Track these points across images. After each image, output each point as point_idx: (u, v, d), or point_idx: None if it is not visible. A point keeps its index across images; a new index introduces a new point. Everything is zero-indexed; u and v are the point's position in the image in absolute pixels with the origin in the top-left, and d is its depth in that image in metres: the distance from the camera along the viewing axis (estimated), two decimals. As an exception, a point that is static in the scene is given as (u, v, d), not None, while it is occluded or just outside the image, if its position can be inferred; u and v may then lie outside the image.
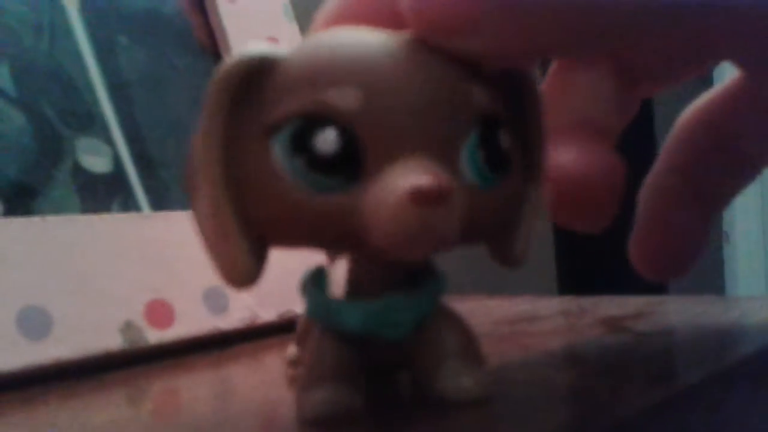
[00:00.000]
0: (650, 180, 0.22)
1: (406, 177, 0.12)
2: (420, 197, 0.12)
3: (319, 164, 0.13)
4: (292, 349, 0.20)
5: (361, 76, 0.13)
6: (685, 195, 0.21)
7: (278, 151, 0.13)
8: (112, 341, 0.24)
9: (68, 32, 0.29)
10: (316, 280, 0.15)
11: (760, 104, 0.20)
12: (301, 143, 0.13)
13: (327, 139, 0.12)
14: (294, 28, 0.38)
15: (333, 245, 0.14)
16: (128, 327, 0.25)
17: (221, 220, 0.13)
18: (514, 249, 0.16)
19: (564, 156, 0.19)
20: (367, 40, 0.13)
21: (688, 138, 0.22)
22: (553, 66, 0.21)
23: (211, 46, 0.35)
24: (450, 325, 0.15)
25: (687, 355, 0.20)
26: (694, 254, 0.22)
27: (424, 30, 0.14)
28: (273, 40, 0.36)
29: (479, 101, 0.14)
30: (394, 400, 0.16)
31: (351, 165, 0.13)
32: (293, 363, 0.19)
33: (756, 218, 1.59)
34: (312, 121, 0.13)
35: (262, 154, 0.13)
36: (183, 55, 0.33)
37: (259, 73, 0.13)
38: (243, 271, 0.14)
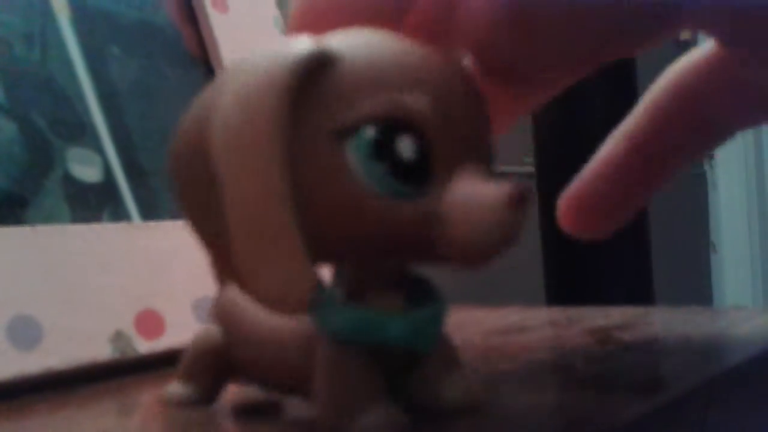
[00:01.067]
0: (602, 146, 0.22)
1: (489, 184, 0.12)
2: (518, 201, 0.12)
3: (400, 170, 0.12)
4: (175, 387, 0.18)
5: (429, 84, 0.13)
6: (628, 158, 0.22)
7: (354, 156, 0.12)
8: (102, 351, 0.24)
9: (60, 42, 0.29)
10: (329, 297, 0.14)
11: (736, 78, 0.20)
12: (385, 149, 0.12)
13: (407, 145, 0.12)
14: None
15: (401, 254, 0.13)
16: (118, 337, 0.25)
17: (280, 229, 0.12)
18: None
19: None
20: (422, 50, 0.13)
21: (648, 108, 0.22)
22: None
23: (202, 56, 0.35)
24: (444, 339, 0.15)
25: (674, 366, 0.20)
26: (622, 217, 0.22)
27: None
28: (264, 50, 0.37)
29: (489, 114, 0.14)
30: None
31: (424, 171, 0.13)
32: (180, 404, 0.18)
33: (743, 229, 1.60)
34: (392, 126, 0.12)
35: (332, 158, 0.12)
36: (174, 65, 0.33)
37: (319, 69, 0.13)
38: (301, 289, 0.12)
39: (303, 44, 0.12)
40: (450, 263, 0.13)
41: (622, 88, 0.75)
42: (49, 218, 0.26)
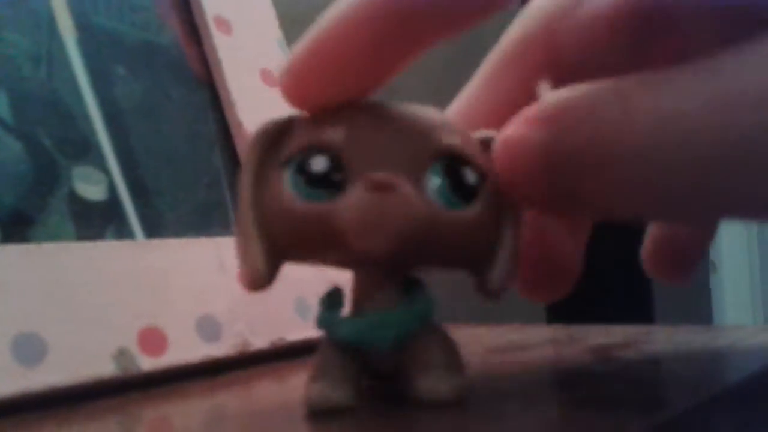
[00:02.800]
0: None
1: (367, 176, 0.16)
2: (372, 184, 0.16)
3: (313, 180, 0.17)
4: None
5: (346, 118, 0.17)
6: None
7: (287, 176, 0.17)
8: (105, 368, 0.25)
9: (66, 62, 0.29)
10: (331, 298, 0.19)
11: None
12: (303, 167, 0.17)
13: (318, 162, 0.17)
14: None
15: (321, 247, 0.17)
16: (121, 354, 0.25)
17: (246, 229, 0.18)
18: (490, 282, 0.18)
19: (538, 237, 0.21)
20: (353, 100, 0.18)
21: None
22: None
23: (206, 77, 0.35)
24: (435, 340, 0.18)
25: (675, 384, 0.20)
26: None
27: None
28: (267, 71, 0.37)
29: (442, 140, 0.17)
30: (382, 402, 0.18)
31: (337, 181, 0.16)
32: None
33: (743, 247, 1.60)
34: (310, 151, 0.17)
35: (276, 180, 0.17)
36: (178, 85, 0.34)
37: (281, 130, 0.18)
38: (257, 272, 0.17)
39: (276, 117, 0.18)
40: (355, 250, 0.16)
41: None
42: (54, 236, 0.26)
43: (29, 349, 0.23)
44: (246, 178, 0.18)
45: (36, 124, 0.28)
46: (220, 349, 0.28)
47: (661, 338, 0.26)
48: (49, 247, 0.25)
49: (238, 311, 0.29)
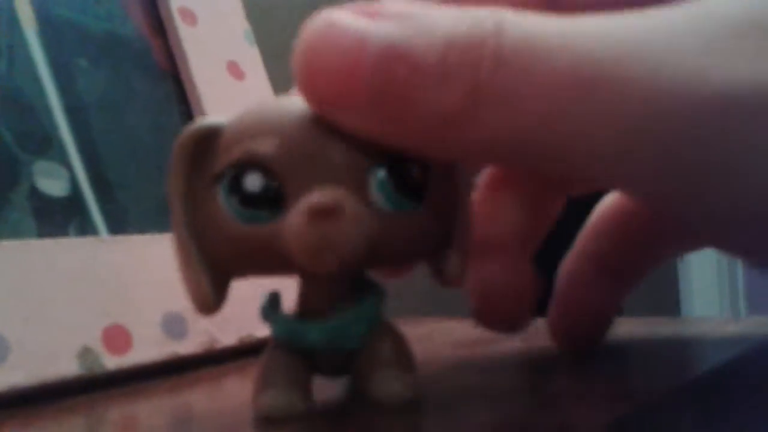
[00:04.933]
0: (566, 265, 0.23)
1: (307, 199, 0.15)
2: (314, 213, 0.15)
3: (248, 201, 0.16)
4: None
5: (277, 127, 0.16)
6: (597, 280, 0.23)
7: (221, 195, 0.16)
8: (68, 367, 0.24)
9: (26, 54, 0.29)
10: (273, 304, 0.18)
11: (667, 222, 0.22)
12: (236, 186, 0.16)
13: (253, 180, 0.15)
14: (255, 52, 0.38)
15: (269, 268, 0.16)
16: (85, 353, 0.25)
17: (186, 253, 0.17)
18: (448, 271, 0.18)
19: (488, 270, 0.22)
20: (285, 102, 0.16)
21: (605, 228, 0.23)
22: (482, 181, 0.22)
23: (171, 69, 0.35)
24: (385, 337, 0.17)
25: (641, 376, 0.20)
26: (604, 328, 0.24)
27: (312, 103, 0.15)
28: (233, 64, 0.36)
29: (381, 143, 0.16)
30: (335, 403, 0.18)
31: (275, 200, 0.15)
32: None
33: (709, 239, 1.62)
34: (242, 168, 0.16)
35: (211, 199, 0.16)
36: (142, 78, 0.33)
37: (208, 138, 0.17)
38: (204, 297, 0.17)
39: (201, 122, 0.17)
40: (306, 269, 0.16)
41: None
42: (14, 233, 0.26)
43: (-11, 349, 0.22)
44: (175, 197, 0.17)
45: (-5, 118, 0.27)
46: (187, 346, 0.28)
47: (628, 330, 0.26)
48: (9, 245, 0.25)
49: (205, 308, 0.29)
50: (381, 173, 0.16)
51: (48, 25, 0.30)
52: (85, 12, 0.32)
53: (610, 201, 0.23)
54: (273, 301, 0.18)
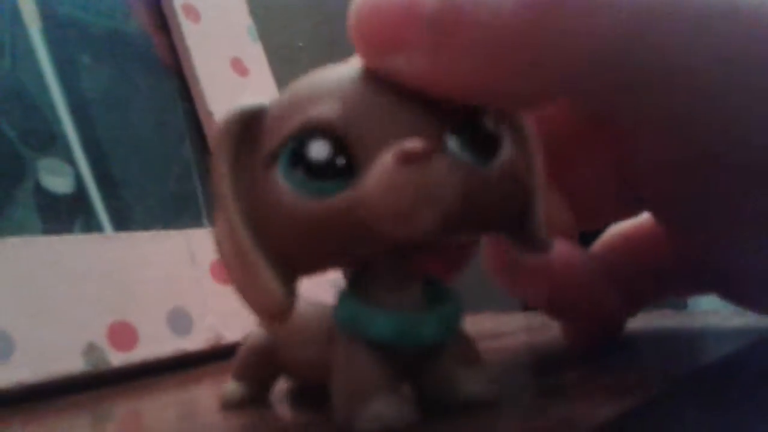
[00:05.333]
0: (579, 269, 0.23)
1: (391, 150, 0.13)
2: (406, 155, 0.13)
3: (315, 171, 0.14)
4: (232, 386, 0.19)
5: (337, 91, 0.14)
6: (608, 290, 0.22)
7: (280, 173, 0.14)
8: (74, 364, 0.24)
9: (30, 52, 0.29)
10: (352, 286, 0.15)
11: (677, 255, 0.21)
12: (298, 159, 0.14)
13: (318, 148, 0.14)
14: (258, 48, 0.38)
15: (342, 248, 0.14)
16: (91, 349, 0.25)
17: (244, 253, 0.14)
18: (536, 232, 0.16)
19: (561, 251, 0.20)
20: (339, 68, 0.15)
21: (611, 253, 0.23)
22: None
23: (175, 65, 0.35)
24: (460, 334, 0.16)
25: (648, 368, 0.20)
26: (615, 332, 0.24)
27: (368, 52, 0.15)
28: (237, 60, 0.36)
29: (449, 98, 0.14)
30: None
31: (346, 168, 0.14)
32: (233, 404, 0.19)
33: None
34: (303, 137, 0.14)
35: (266, 181, 0.14)
36: (146, 74, 0.33)
37: (253, 119, 0.15)
38: (274, 300, 0.14)
39: (243, 104, 0.15)
40: (392, 240, 0.13)
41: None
42: (19, 230, 0.26)
43: (-5, 345, 0.23)
44: (224, 186, 0.15)
45: (-1, 115, 0.27)
46: (192, 342, 0.28)
47: (633, 323, 0.26)
48: (14, 242, 0.25)
49: (210, 304, 0.29)
50: (455, 128, 0.14)
51: (51, 23, 0.30)
52: (88, 9, 0.32)
53: (615, 233, 0.23)
54: (353, 283, 0.16)
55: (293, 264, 0.14)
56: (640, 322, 0.27)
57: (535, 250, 0.16)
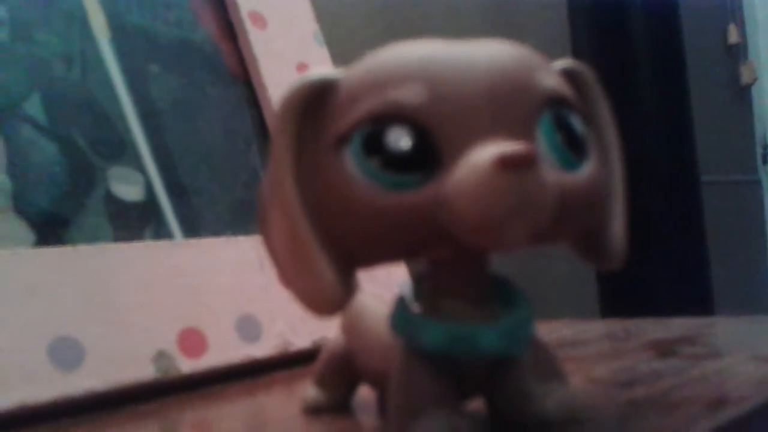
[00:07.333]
0: None
1: (487, 151, 0.12)
2: (508, 161, 0.11)
3: (394, 162, 0.12)
4: (312, 392, 0.19)
5: (424, 72, 0.13)
6: None
7: (351, 159, 0.13)
8: (144, 371, 0.24)
9: (99, 62, 0.29)
10: (414, 289, 0.15)
11: None
12: (374, 145, 0.12)
13: (398, 137, 0.12)
14: (324, 53, 0.38)
15: (413, 248, 0.13)
16: (161, 356, 0.25)
17: (300, 240, 0.13)
18: (609, 244, 0.15)
19: None
20: (428, 43, 0.13)
21: None
22: None
23: (242, 73, 0.35)
24: (538, 346, 0.15)
25: (741, 380, 0.19)
26: None
27: None
28: (303, 66, 0.36)
29: (544, 83, 0.13)
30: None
31: (427, 160, 0.12)
32: (314, 409, 0.19)
33: (802, 236, 1.55)
34: (381, 123, 0.12)
35: (334, 166, 0.13)
36: (214, 82, 0.33)
37: (321, 94, 0.14)
38: (329, 294, 0.13)
39: (310, 74, 0.14)
40: (471, 247, 0.12)
41: (671, 87, 0.73)
42: (91, 237, 0.26)
43: (66, 353, 0.23)
44: (283, 168, 0.13)
45: (70, 125, 0.27)
46: (261, 349, 0.27)
47: (723, 331, 0.25)
48: (85, 249, 0.25)
49: (279, 310, 0.28)
50: (547, 122, 0.13)
51: (120, 33, 0.30)
52: (156, 19, 0.32)
53: None
54: (413, 288, 0.15)
55: (353, 256, 0.13)
56: (730, 326, 0.25)
57: (605, 263, 0.15)
